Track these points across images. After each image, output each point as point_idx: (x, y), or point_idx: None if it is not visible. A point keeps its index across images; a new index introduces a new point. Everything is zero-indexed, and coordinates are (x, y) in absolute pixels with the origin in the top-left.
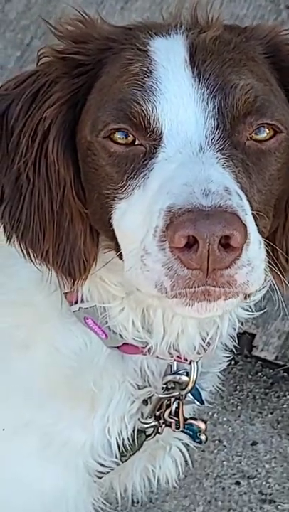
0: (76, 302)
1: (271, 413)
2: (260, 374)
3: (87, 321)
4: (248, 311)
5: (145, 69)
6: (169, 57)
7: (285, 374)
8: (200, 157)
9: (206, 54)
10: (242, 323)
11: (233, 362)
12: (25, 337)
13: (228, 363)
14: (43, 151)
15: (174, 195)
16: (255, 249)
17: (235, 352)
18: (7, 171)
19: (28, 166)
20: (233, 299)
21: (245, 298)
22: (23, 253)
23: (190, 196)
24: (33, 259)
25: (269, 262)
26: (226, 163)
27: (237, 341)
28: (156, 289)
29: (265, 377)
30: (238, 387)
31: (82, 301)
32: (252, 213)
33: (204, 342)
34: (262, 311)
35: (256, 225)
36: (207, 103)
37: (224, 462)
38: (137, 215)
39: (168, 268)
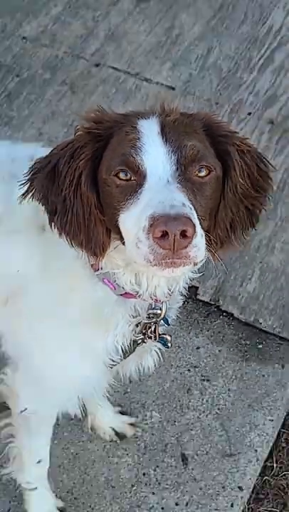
0: (99, 269)
1: (207, 330)
2: (201, 309)
3: (104, 280)
4: (194, 273)
5: (136, 137)
6: (149, 130)
7: (215, 309)
8: (167, 187)
9: (170, 128)
10: (190, 280)
11: (186, 302)
12: (69, 287)
13: (183, 302)
14: (78, 185)
15: (154, 207)
16: (199, 238)
17: (187, 296)
18: (58, 196)
19: (71, 193)
20: (187, 266)
21: (194, 266)
22: (67, 242)
23: (163, 208)
24: (73, 246)
25: (207, 246)
26: (182, 189)
27: (189, 290)
28: (145, 261)
29: (204, 311)
30: (188, 315)
31: (101, 268)
32: (198, 217)
33: (170, 291)
34: (201, 274)
35: (201, 224)
36: (170, 156)
37: (181, 358)
38: (133, 220)
39: (151, 249)
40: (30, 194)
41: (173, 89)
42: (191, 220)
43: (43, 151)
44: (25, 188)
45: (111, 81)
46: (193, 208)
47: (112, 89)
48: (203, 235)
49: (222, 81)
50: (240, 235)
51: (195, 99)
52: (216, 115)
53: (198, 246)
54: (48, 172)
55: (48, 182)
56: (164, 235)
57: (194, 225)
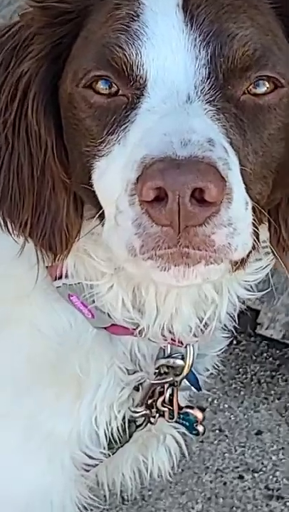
0: (60, 277)
1: (278, 399)
2: (265, 355)
3: (71, 298)
4: (250, 290)
5: (132, 12)
6: (160, 0)
7: None
8: (186, 108)
9: None
10: (243, 302)
11: (235, 342)
12: (5, 312)
13: (228, 343)
14: (22, 111)
15: (151, 145)
16: (239, 209)
17: (238, 330)
18: None
19: (7, 126)
20: (215, 265)
21: (235, 268)
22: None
23: (166, 146)
24: (10, 230)
25: (271, 241)
26: (215, 115)
27: (239, 319)
28: (127, 249)
29: (271, 359)
30: (240, 369)
31: (66, 276)
32: (245, 174)
33: (201, 323)
34: (266, 291)
35: (249, 188)
36: (199, 50)
37: (226, 454)
38: (115, 174)
39: (137, 225)
40: None
41: None
42: (217, 171)
43: None
44: None
45: None
46: (233, 153)
47: None
48: (250, 205)
49: None
50: None
51: None
52: None
53: (236, 225)
54: None
55: None
56: (161, 197)
57: (224, 181)
